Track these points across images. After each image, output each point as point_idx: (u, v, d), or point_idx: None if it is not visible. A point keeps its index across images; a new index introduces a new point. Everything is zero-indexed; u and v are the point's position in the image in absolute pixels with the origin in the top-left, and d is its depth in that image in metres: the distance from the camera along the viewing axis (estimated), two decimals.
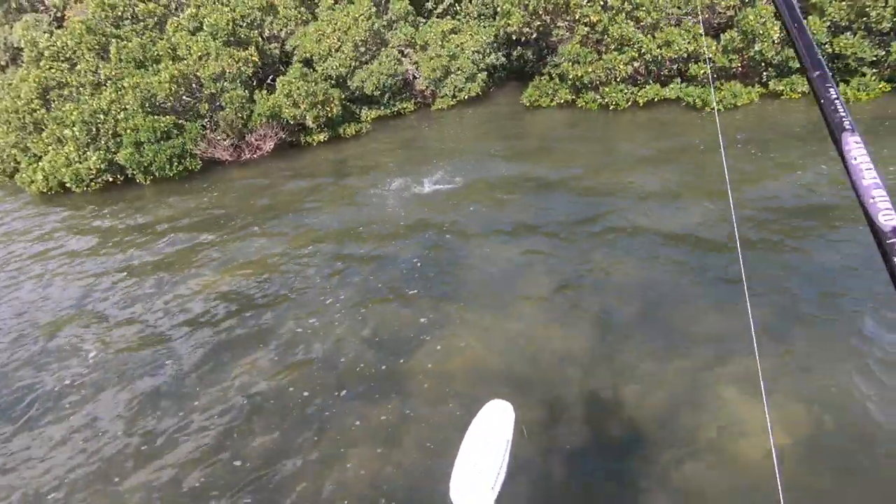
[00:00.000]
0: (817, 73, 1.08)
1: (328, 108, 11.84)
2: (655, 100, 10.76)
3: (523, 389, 4.24)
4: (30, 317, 6.91)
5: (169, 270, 7.46)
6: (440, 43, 13.60)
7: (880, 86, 8.85)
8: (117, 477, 4.09)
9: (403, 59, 14.09)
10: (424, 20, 14.67)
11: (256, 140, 11.93)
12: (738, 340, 4.30)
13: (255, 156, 12.03)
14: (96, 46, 12.38)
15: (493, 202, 7.84)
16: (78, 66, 12.70)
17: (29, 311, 7.09)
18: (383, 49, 13.66)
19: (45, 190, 12.16)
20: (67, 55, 12.85)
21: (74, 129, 11.48)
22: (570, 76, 11.34)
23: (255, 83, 12.91)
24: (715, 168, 7.62)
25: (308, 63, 13.42)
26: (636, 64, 11.05)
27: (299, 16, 13.59)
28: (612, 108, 10.97)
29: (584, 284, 5.49)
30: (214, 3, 13.21)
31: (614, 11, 10.94)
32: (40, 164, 12.11)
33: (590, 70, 11.06)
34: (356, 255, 6.91)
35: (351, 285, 6.20)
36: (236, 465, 4.01)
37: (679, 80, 10.94)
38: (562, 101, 11.93)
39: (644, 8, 10.70)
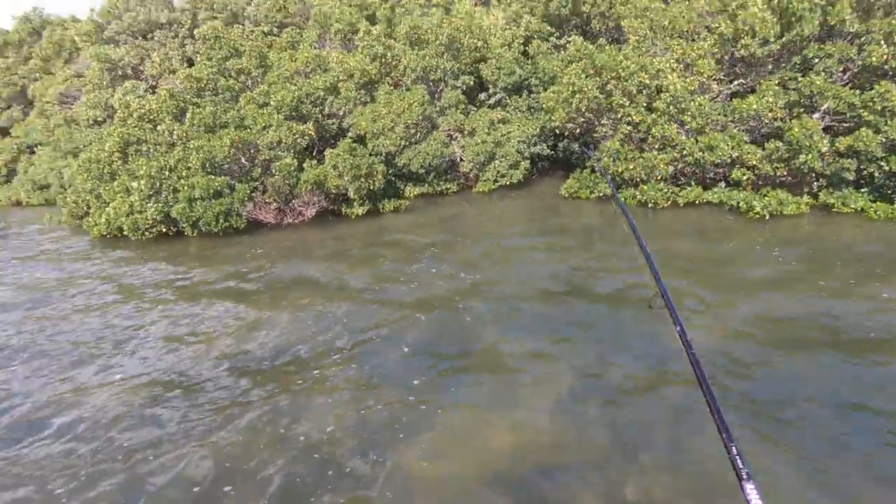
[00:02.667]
0: (725, 434, 1.56)
1: (371, 181, 12.35)
2: (697, 202, 10.53)
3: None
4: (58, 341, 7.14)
5: (195, 320, 7.61)
6: (487, 130, 14.20)
7: None
8: None
9: (452, 142, 14.76)
10: (475, 109, 15.47)
11: (300, 206, 12.52)
12: None
13: (296, 221, 12.57)
14: (175, 111, 13.74)
15: (521, 292, 7.62)
16: (159, 128, 14.10)
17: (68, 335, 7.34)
18: (433, 132, 14.39)
19: (105, 234, 13.11)
20: (151, 117, 14.34)
21: (141, 182, 12.52)
22: (611, 171, 11.38)
23: (311, 153, 13.81)
24: (759, 276, 7.19)
25: (361, 140, 14.29)
26: (678, 165, 11.01)
27: (359, 97, 14.67)
28: (650, 205, 10.80)
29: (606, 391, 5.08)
30: (285, 82, 14.55)
31: (659, 113, 11.12)
32: (106, 210, 13.15)
33: (630, 167, 11.08)
34: (374, 335, 6.81)
35: (363, 363, 6.05)
36: None
37: (723, 184, 10.74)
38: (601, 194, 11.91)
39: (689, 112, 10.82)
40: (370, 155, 13.25)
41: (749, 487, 1.34)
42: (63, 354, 7.03)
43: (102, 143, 14.58)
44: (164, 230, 12.63)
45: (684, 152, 10.60)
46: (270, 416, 5.14)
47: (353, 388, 5.50)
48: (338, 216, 12.88)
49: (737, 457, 1.44)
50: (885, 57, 9.33)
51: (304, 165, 12.70)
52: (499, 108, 15.44)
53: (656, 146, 11.13)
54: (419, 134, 14.22)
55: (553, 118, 12.72)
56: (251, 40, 17.03)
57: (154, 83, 21.18)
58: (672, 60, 11.42)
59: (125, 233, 12.61)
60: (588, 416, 4.74)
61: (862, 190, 9.43)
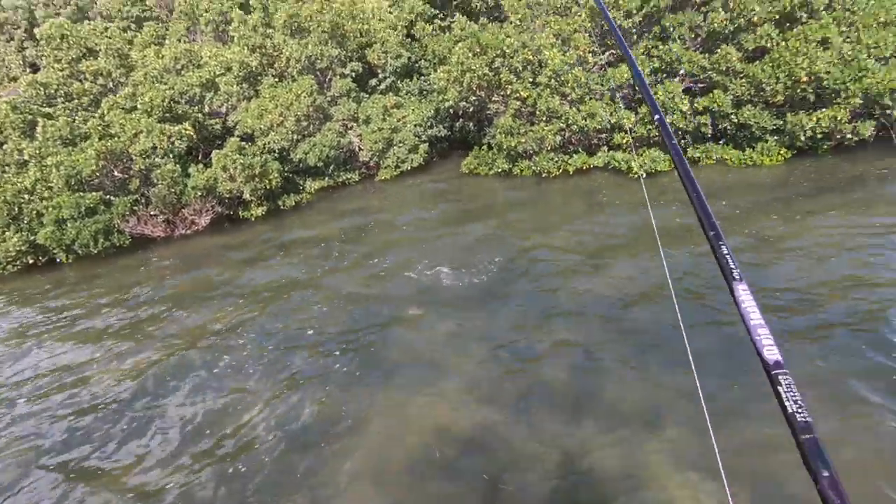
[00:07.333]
0: (713, 232, 1.34)
1: (267, 181, 11.76)
2: (584, 168, 11.27)
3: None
4: None
5: (73, 363, 6.84)
6: (382, 117, 14.05)
7: (781, 152, 9.61)
8: None
9: (348, 132, 14.42)
10: (367, 96, 15.21)
11: (191, 215, 11.62)
12: (677, 408, 4.20)
13: (189, 231, 11.66)
14: (22, 125, 12.05)
15: (427, 273, 7.73)
16: (5, 146, 12.27)
17: None
18: (327, 123, 13.96)
19: None
20: None
21: None
22: (505, 146, 11.81)
23: (196, 157, 12.81)
24: (644, 229, 7.88)
25: (250, 138, 13.50)
26: (566, 134, 11.68)
27: (241, 92, 13.80)
28: (544, 175, 11.40)
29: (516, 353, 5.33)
30: (153, 81, 13.28)
31: (542, 87, 11.67)
32: None
33: (522, 140, 11.57)
34: (287, 336, 6.56)
35: (275, 363, 5.82)
36: None
37: (606, 148, 11.58)
38: (499, 169, 12.34)
39: (569, 84, 11.46)
40: (262, 153, 12.59)
41: (741, 288, 1.21)
42: None
43: None
44: (31, 261, 11.13)
45: (569, 122, 11.25)
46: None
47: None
48: (235, 220, 12.14)
49: (727, 255, 1.29)
50: (724, 22, 10.49)
51: (190, 171, 11.77)
52: (391, 94, 15.32)
53: (544, 119, 11.70)
54: (312, 126, 13.74)
55: (446, 98, 12.86)
56: (107, 38, 15.27)
57: None
58: (551, 36, 12.00)
59: None
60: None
61: (720, 142, 10.64)
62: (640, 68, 1.77)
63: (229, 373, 5.93)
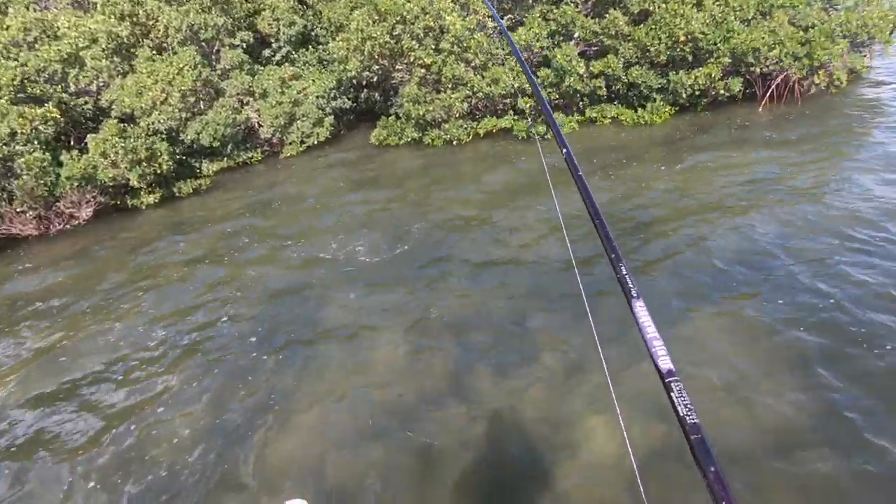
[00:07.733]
0: (613, 255, 1.48)
1: (156, 164, 10.70)
2: (494, 130, 11.49)
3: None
4: None
5: None
6: (280, 90, 13.23)
7: (667, 109, 10.44)
8: None
9: (245, 108, 13.42)
10: (262, 68, 14.20)
11: (68, 208, 10.29)
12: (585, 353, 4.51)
13: (68, 226, 10.34)
14: None
15: (338, 246, 7.54)
16: None
17: None
18: (219, 99, 12.89)
19: None
20: None
21: None
22: (413, 115, 11.68)
23: (67, 143, 11.27)
24: (545, 187, 8.26)
25: (130, 118, 12.11)
26: (472, 101, 11.77)
27: (113, 67, 12.28)
28: (454, 142, 11.47)
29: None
30: None
31: (446, 54, 11.60)
32: None
33: (430, 109, 11.50)
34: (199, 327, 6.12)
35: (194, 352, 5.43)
36: None
37: (512, 112, 11.86)
38: (409, 139, 12.20)
39: (472, 50, 11.50)
40: (147, 135, 11.38)
41: (638, 304, 1.32)
42: None
43: None
44: None
45: (474, 89, 11.34)
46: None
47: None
48: (124, 210, 10.94)
49: (626, 276, 1.40)
50: None
51: (63, 159, 10.35)
52: (287, 65, 14.42)
53: (449, 86, 11.68)
54: (202, 103, 12.62)
55: (348, 68, 12.39)
56: None
57: None
58: (449, 1, 11.88)
59: None
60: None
61: (615, 102, 11.31)
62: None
63: (133, 364, 5.45)
